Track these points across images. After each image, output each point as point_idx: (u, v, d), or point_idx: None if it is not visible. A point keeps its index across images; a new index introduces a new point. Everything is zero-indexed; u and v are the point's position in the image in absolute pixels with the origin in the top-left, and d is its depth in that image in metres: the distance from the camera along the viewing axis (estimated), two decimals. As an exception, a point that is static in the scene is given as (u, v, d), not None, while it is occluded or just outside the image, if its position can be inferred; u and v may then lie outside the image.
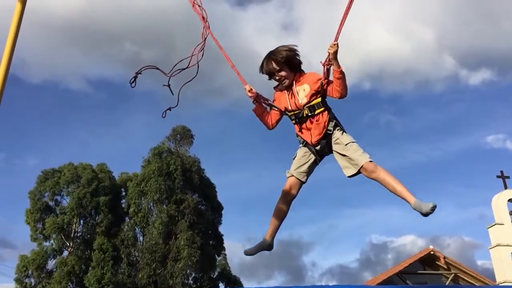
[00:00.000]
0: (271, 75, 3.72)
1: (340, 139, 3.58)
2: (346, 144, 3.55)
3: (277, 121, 3.82)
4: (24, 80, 45.75)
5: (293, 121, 3.72)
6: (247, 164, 55.22)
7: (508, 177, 20.07)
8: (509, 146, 56.26)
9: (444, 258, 20.67)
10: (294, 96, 3.66)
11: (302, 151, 3.70)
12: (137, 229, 26.90)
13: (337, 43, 3.42)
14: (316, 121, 3.60)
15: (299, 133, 3.71)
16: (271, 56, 3.66)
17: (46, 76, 50.53)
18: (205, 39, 3.86)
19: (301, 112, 3.63)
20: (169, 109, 3.96)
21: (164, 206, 26.44)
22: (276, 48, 3.68)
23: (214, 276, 27.77)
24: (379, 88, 60.75)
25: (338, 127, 3.62)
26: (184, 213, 26.20)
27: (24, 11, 3.44)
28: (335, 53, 3.42)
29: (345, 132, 3.63)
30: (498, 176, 20.11)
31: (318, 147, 3.64)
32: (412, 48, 56.73)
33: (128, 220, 27.21)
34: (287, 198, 3.69)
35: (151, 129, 50.11)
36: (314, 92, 3.60)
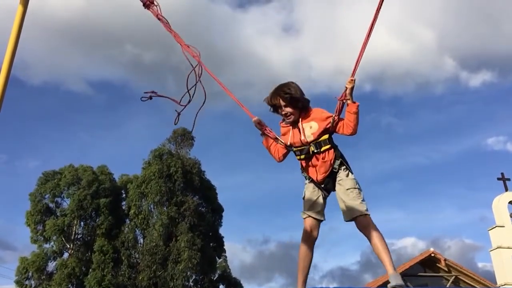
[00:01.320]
0: (276, 109, 3.70)
1: (343, 180, 3.53)
2: (347, 189, 3.50)
3: (284, 155, 3.76)
4: (25, 82, 45.88)
5: (298, 157, 3.66)
6: (247, 166, 55.29)
7: (508, 179, 20.06)
8: (509, 148, 56.31)
9: (445, 260, 20.62)
10: (300, 133, 3.61)
11: (309, 189, 3.64)
12: (137, 231, 26.90)
13: (355, 79, 3.40)
14: (322, 158, 3.55)
15: (305, 170, 3.66)
16: (278, 91, 3.63)
17: (47, 77, 50.65)
18: (195, 64, 3.76)
19: (307, 148, 3.58)
20: (193, 139, 3.91)
21: (165, 208, 26.43)
22: (284, 84, 3.65)
23: (215, 278, 27.75)
24: (380, 89, 60.84)
25: (344, 166, 3.57)
26: (185, 215, 26.19)
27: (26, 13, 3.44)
28: (352, 88, 3.40)
29: (351, 172, 3.59)
30: (498, 178, 20.10)
31: (323, 185, 3.59)
32: (413, 50, 56.85)
33: (129, 222, 27.20)
34: (309, 241, 3.62)
35: (151, 131, 50.16)
36: (322, 130, 3.55)
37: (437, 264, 20.79)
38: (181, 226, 25.75)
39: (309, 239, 3.61)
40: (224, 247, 28.63)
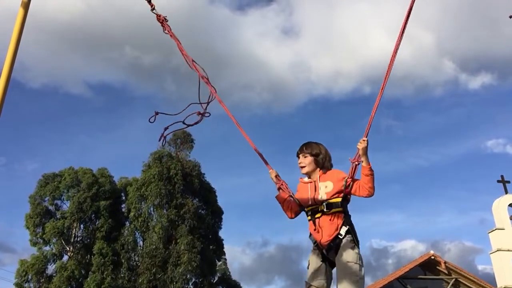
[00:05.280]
0: (298, 156, 3.74)
1: (346, 252, 3.34)
2: (347, 261, 3.31)
3: (297, 213, 3.70)
4: (25, 84, 45.88)
5: (309, 217, 3.56)
6: (247, 168, 55.25)
7: (508, 182, 20.08)
8: (509, 150, 56.34)
9: (445, 263, 20.59)
10: (315, 191, 3.55)
11: (314, 258, 3.51)
12: (137, 233, 26.85)
13: (367, 140, 3.35)
14: (330, 220, 3.42)
15: (311, 233, 3.53)
16: (308, 143, 3.71)
17: (47, 80, 50.67)
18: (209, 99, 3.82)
19: (318, 207, 3.49)
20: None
21: (164, 211, 26.40)
22: (317, 143, 3.72)
23: (214, 281, 27.69)
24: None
25: (351, 237, 3.40)
26: (184, 218, 26.15)
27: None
28: (365, 149, 3.34)
29: (357, 246, 3.41)
30: (498, 181, 20.12)
31: (325, 251, 3.43)
32: (412, 52, 56.79)
33: (128, 224, 27.16)
34: None
35: (151, 134, 50.08)
36: (336, 191, 3.48)
37: (437, 267, 20.77)
38: (180, 228, 25.72)
39: None
40: (224, 250, 28.61)
